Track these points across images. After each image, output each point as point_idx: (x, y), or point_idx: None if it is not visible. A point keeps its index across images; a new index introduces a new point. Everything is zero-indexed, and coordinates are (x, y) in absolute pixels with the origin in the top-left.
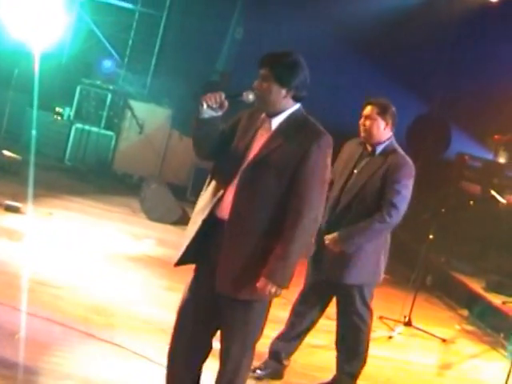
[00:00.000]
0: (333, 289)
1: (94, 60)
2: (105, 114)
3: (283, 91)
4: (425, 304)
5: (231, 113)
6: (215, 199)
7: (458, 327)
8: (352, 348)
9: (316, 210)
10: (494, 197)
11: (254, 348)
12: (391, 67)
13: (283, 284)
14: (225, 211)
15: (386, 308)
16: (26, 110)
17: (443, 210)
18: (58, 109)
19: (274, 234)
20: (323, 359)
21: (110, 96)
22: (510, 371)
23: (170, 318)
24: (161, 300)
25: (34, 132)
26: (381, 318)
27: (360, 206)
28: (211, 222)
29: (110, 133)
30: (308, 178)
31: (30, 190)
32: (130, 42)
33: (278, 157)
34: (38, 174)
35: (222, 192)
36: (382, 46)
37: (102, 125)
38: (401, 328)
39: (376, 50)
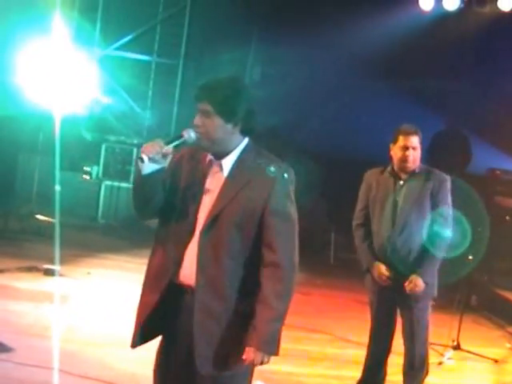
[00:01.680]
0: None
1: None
2: (132, 168)
3: (229, 126)
4: (472, 325)
5: None
6: (172, 265)
7: (508, 345)
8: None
9: (294, 257)
10: None
11: None
12: (409, 89)
13: (275, 352)
14: (188, 277)
15: (433, 333)
16: (54, 172)
17: (479, 229)
18: (86, 168)
19: (251, 294)
20: None
21: (135, 150)
22: None
23: None
24: None
25: (57, 187)
26: (429, 344)
27: (416, 224)
28: (172, 290)
29: None
30: (277, 224)
31: (57, 252)
32: (150, 93)
33: (239, 207)
34: (73, 234)
35: (179, 256)
36: (399, 70)
37: (131, 180)
38: (450, 352)
39: (393, 75)
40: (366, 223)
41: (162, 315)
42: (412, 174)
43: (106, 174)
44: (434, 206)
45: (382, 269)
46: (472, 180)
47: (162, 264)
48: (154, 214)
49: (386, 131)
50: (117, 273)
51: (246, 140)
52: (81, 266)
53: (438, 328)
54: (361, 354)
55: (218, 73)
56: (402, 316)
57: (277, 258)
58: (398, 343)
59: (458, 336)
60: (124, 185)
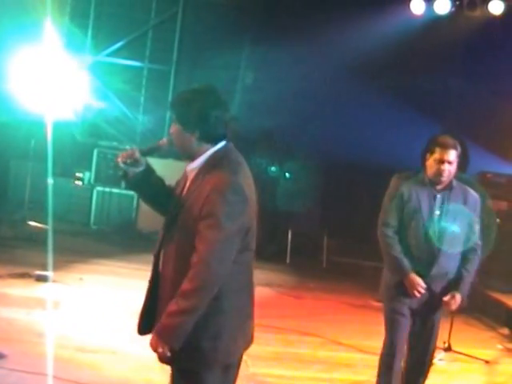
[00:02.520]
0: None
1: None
2: None
3: (187, 134)
4: (464, 327)
5: None
6: (156, 258)
7: (499, 346)
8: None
9: (212, 262)
10: None
11: None
12: (402, 92)
13: (169, 343)
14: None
15: None
16: (46, 179)
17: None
18: (78, 174)
19: None
20: None
21: None
22: None
23: None
24: None
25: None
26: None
27: (455, 239)
28: (157, 279)
29: (131, 193)
30: (204, 231)
31: (50, 258)
32: (142, 99)
33: (187, 210)
34: (66, 240)
35: (158, 250)
36: (391, 74)
37: (123, 185)
38: (441, 354)
39: (385, 78)
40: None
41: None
42: (448, 187)
43: (98, 179)
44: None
45: (419, 280)
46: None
47: (154, 257)
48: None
49: (380, 135)
50: (109, 278)
51: (217, 146)
52: (73, 272)
53: None
54: (352, 356)
55: (209, 78)
56: (421, 320)
57: (195, 259)
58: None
59: (449, 337)
60: (116, 190)
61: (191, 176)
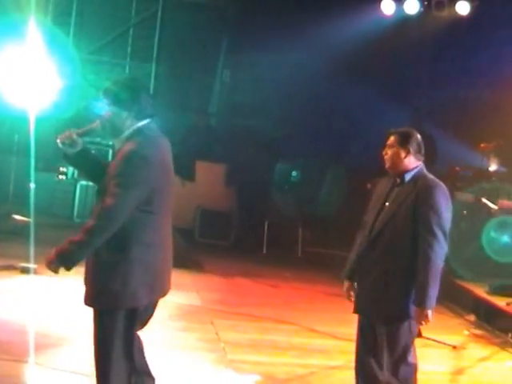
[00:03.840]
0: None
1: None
2: None
3: (124, 113)
4: (433, 314)
5: None
6: None
7: (466, 332)
8: None
9: (112, 216)
10: (485, 204)
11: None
12: (374, 86)
13: (61, 263)
14: None
15: None
16: (30, 173)
17: None
18: (61, 169)
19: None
20: (339, 380)
21: (110, 151)
22: None
23: (188, 359)
24: (179, 341)
25: (32, 185)
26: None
27: (389, 238)
28: None
29: None
30: (111, 188)
31: (33, 250)
32: None
33: (107, 175)
34: (49, 233)
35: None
36: (364, 68)
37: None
38: None
39: (359, 73)
40: None
41: None
42: (406, 177)
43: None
44: (415, 215)
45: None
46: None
47: None
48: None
49: (348, 128)
50: None
51: (140, 123)
52: None
53: None
54: (326, 343)
55: (188, 75)
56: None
57: (99, 209)
58: None
59: None
60: None
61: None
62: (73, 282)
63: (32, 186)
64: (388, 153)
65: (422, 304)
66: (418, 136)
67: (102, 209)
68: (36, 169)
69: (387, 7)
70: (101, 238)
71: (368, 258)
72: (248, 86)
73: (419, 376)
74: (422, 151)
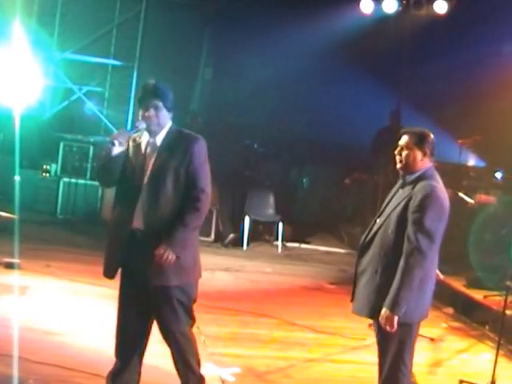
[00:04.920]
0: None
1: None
2: (89, 165)
3: (169, 114)
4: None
5: None
6: (130, 212)
7: (444, 325)
8: None
9: (207, 195)
10: (462, 198)
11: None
12: (360, 86)
13: (176, 251)
14: (138, 220)
15: None
16: (14, 171)
17: None
18: (45, 166)
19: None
20: (318, 372)
21: (91, 148)
22: (496, 361)
23: (169, 353)
24: (160, 335)
25: (16, 178)
26: (370, 325)
27: (381, 240)
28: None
29: (95, 183)
30: (195, 172)
31: (17, 246)
32: (107, 94)
33: (167, 166)
34: (33, 229)
35: (132, 208)
36: (344, 69)
37: (88, 176)
38: None
39: (338, 72)
40: None
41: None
42: (408, 179)
43: (64, 171)
44: (404, 219)
45: None
46: None
47: (122, 212)
48: (114, 182)
49: (329, 124)
50: (75, 265)
51: (170, 123)
52: (40, 260)
53: None
54: (306, 336)
55: (171, 74)
56: None
57: (198, 194)
58: None
59: None
60: (81, 181)
61: (158, 142)
62: (56, 277)
63: (17, 178)
64: (402, 153)
65: (389, 307)
66: (432, 136)
67: (200, 194)
68: (20, 166)
69: (366, 6)
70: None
71: (361, 260)
72: (230, 84)
73: None
74: (434, 152)
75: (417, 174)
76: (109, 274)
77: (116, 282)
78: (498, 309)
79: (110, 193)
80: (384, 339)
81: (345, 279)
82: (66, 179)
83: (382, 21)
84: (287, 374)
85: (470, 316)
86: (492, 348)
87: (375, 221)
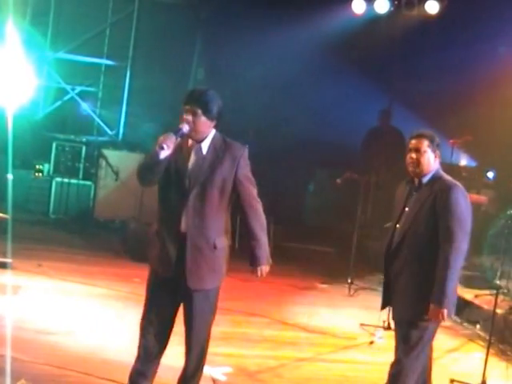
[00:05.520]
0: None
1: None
2: (81, 165)
3: (208, 122)
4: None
5: None
6: (176, 217)
7: None
8: None
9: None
10: None
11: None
12: (352, 86)
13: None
14: (185, 225)
15: (365, 315)
16: (7, 171)
17: None
18: (38, 166)
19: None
20: (309, 371)
21: (84, 148)
22: (486, 360)
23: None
24: None
25: (9, 176)
26: (361, 325)
27: (412, 241)
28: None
29: (88, 183)
30: (244, 181)
31: (10, 246)
32: (100, 94)
33: (211, 173)
34: (26, 229)
35: (180, 211)
36: (336, 69)
37: (80, 176)
38: (381, 332)
39: (331, 72)
40: None
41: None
42: (423, 180)
43: (57, 171)
44: (435, 217)
45: None
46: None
47: (169, 217)
48: (154, 183)
49: (320, 123)
50: (67, 265)
51: (214, 131)
52: (32, 259)
53: (370, 310)
54: (297, 335)
55: (163, 74)
56: None
57: (253, 204)
58: None
59: (388, 317)
60: (73, 181)
61: (204, 150)
62: (48, 277)
63: (10, 176)
64: (419, 157)
65: (438, 303)
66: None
67: (257, 203)
68: (13, 166)
69: (358, 6)
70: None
71: (392, 267)
72: (222, 84)
73: (388, 368)
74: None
75: (431, 175)
76: (169, 271)
77: (107, 282)
78: (489, 308)
79: (103, 193)
80: (414, 337)
81: (336, 278)
82: (58, 179)
83: (373, 21)
84: (278, 373)
85: (461, 315)
86: (483, 347)
87: (395, 227)
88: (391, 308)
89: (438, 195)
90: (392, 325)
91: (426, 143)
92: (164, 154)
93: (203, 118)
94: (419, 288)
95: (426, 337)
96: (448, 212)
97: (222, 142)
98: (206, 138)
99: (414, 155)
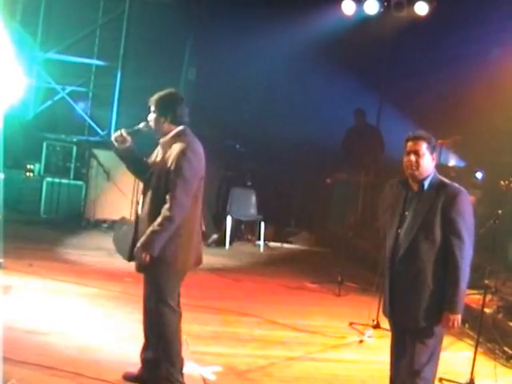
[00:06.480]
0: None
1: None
2: (72, 165)
3: (161, 119)
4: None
5: None
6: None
7: None
8: None
9: (178, 199)
10: None
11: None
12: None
13: (152, 252)
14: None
15: (354, 314)
16: None
17: None
18: (29, 166)
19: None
20: (299, 370)
21: (75, 148)
22: (474, 359)
23: None
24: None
25: (0, 176)
26: (351, 324)
27: (423, 246)
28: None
29: (79, 183)
30: (174, 178)
31: (0, 246)
32: (90, 94)
33: (160, 167)
34: (17, 229)
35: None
36: (326, 69)
37: (71, 176)
38: (370, 331)
39: (321, 73)
40: None
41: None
42: (425, 184)
43: (48, 170)
44: (443, 222)
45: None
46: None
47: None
48: (142, 173)
49: (311, 123)
50: (58, 264)
51: (179, 128)
52: (23, 259)
53: (359, 309)
54: (287, 335)
55: (154, 74)
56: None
57: (169, 197)
58: None
59: (378, 316)
60: (64, 181)
61: (163, 146)
62: (39, 276)
63: (1, 176)
64: (418, 160)
65: (452, 309)
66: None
67: (171, 198)
68: (4, 166)
69: (348, 7)
70: (175, 223)
71: (404, 271)
72: (213, 84)
73: (378, 366)
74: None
75: (430, 179)
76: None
77: (99, 282)
78: (477, 307)
79: (94, 193)
80: (431, 346)
81: (326, 278)
82: (49, 179)
83: (363, 22)
84: (268, 372)
85: None
86: (471, 346)
87: (397, 232)
88: (397, 314)
89: (447, 201)
90: (382, 324)
91: (424, 145)
92: (118, 146)
93: (155, 116)
94: (434, 294)
95: (440, 343)
96: (458, 218)
97: (171, 138)
98: (166, 134)
99: (413, 158)
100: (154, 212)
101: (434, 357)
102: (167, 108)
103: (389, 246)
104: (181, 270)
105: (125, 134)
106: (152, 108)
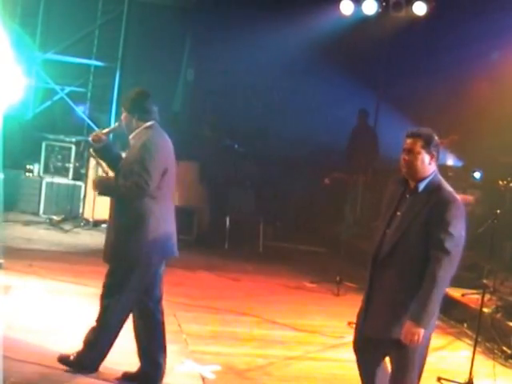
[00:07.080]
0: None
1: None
2: (71, 165)
3: (130, 117)
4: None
5: None
6: None
7: None
8: None
9: (142, 187)
10: None
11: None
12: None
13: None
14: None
15: (353, 314)
16: None
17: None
18: (28, 166)
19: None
20: (298, 370)
21: (74, 148)
22: (473, 358)
23: None
24: None
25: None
26: (349, 323)
27: (405, 251)
28: None
29: (78, 183)
30: (134, 164)
31: (0, 246)
32: (89, 94)
33: (126, 161)
34: (16, 229)
35: None
36: (323, 68)
37: (70, 176)
38: None
39: (318, 73)
40: None
41: None
42: (420, 186)
43: (47, 171)
44: (428, 230)
45: None
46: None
47: None
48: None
49: (308, 124)
50: (58, 264)
51: (146, 124)
52: (23, 259)
53: (355, 308)
54: (286, 334)
55: (153, 75)
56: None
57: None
58: None
59: None
60: (64, 181)
61: (132, 143)
62: (38, 276)
63: (0, 176)
64: (411, 159)
65: (416, 320)
66: (436, 137)
67: (136, 186)
68: (3, 166)
69: (346, 8)
70: (130, 199)
71: (382, 275)
72: (211, 85)
73: None
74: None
75: (427, 181)
76: None
77: (98, 282)
78: (476, 307)
79: (93, 193)
80: (406, 357)
81: (325, 278)
82: (48, 179)
83: (361, 22)
84: (267, 371)
85: (448, 314)
86: (470, 345)
87: (384, 232)
88: (369, 323)
89: (434, 208)
90: None
91: (420, 144)
92: (94, 145)
93: (124, 115)
94: (409, 304)
95: (422, 353)
96: (441, 228)
97: (137, 134)
98: (134, 131)
99: (406, 157)
100: (117, 207)
101: (411, 372)
102: (134, 106)
103: (374, 245)
104: (144, 264)
105: (100, 134)
106: (122, 108)
